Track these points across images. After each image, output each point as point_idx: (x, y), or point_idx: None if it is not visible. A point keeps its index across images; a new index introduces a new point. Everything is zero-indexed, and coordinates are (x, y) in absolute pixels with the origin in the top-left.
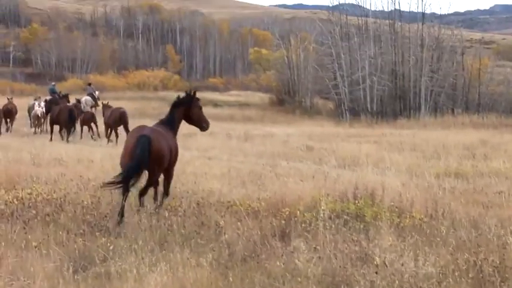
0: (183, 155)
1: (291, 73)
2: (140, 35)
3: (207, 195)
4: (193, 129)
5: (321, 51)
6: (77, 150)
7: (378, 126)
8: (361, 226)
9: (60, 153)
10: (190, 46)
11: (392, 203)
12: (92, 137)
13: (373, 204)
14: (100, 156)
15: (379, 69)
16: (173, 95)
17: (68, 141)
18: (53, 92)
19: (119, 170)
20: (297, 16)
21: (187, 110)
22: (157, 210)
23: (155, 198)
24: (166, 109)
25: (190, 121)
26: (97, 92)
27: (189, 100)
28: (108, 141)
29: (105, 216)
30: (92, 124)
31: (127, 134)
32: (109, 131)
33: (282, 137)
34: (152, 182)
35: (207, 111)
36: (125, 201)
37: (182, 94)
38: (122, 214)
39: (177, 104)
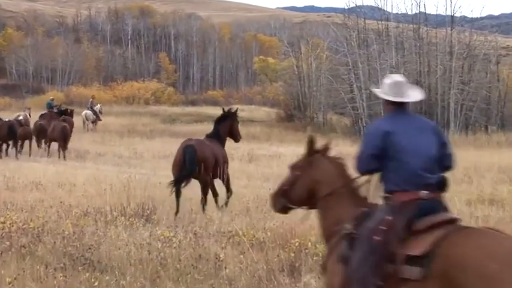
0: None
1: (301, 85)
2: (129, 42)
3: (206, 225)
4: None
5: (335, 60)
6: (57, 173)
7: None
8: None
9: (38, 175)
10: (186, 54)
11: None
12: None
13: None
14: (83, 179)
15: None
16: (167, 110)
17: (17, 158)
18: (50, 107)
19: (102, 194)
20: (308, 20)
21: (230, 125)
22: (222, 206)
23: (204, 203)
24: (158, 126)
25: (229, 134)
26: (99, 106)
27: (232, 116)
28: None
29: (89, 248)
30: (26, 141)
31: (62, 149)
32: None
33: (291, 157)
34: (205, 186)
35: (205, 128)
36: (178, 201)
37: (226, 109)
38: (177, 211)
39: (221, 120)
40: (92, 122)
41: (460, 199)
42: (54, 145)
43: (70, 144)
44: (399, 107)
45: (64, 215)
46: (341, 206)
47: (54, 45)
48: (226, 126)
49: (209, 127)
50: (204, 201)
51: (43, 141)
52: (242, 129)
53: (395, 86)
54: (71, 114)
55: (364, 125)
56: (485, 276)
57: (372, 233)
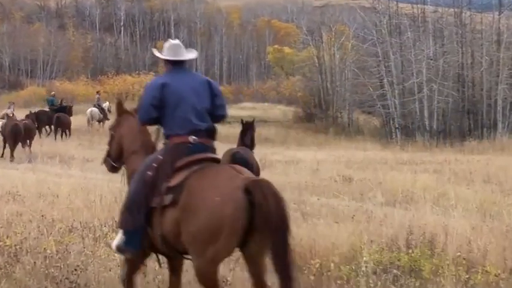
0: None
1: (323, 79)
2: (122, 29)
3: None
4: None
5: (362, 50)
6: (37, 181)
7: (438, 150)
8: (417, 284)
9: (16, 184)
10: (188, 43)
11: (459, 253)
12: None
13: (432, 254)
14: (68, 189)
15: (440, 74)
16: None
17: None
18: (51, 104)
19: (90, 206)
20: (330, 3)
21: (251, 135)
22: None
23: None
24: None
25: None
26: (107, 103)
27: (252, 126)
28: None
29: (75, 270)
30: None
31: (10, 151)
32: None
33: (311, 164)
34: None
35: None
36: None
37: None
38: None
39: (245, 130)
40: (98, 121)
41: (509, 213)
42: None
43: (53, 149)
44: (176, 66)
45: (46, 231)
46: (140, 160)
47: (35, 33)
48: (249, 137)
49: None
50: None
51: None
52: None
53: (172, 48)
54: (69, 111)
55: (397, 126)
56: (207, 206)
57: (146, 169)
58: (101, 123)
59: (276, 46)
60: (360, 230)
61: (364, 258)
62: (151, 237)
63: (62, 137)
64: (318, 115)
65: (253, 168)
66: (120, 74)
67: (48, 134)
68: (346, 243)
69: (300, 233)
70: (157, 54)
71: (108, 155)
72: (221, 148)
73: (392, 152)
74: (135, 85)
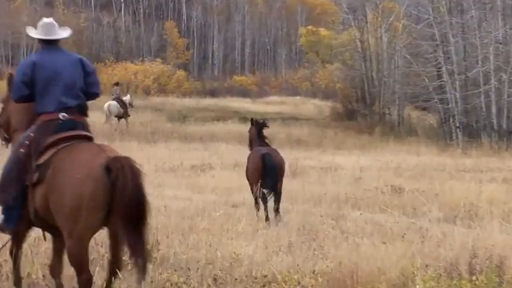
0: (191, 200)
1: (367, 67)
2: (123, 6)
3: (230, 266)
4: (208, 160)
5: (416, 31)
6: None
7: (509, 155)
8: None
9: None
10: (203, 23)
11: None
12: None
13: (501, 282)
14: None
15: None
16: (175, 103)
17: None
18: None
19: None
20: None
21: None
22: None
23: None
24: (163, 125)
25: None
26: (128, 96)
27: (266, 124)
28: None
29: None
30: None
31: None
32: None
33: (352, 171)
34: (279, 194)
35: (231, 130)
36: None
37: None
38: (267, 218)
39: (260, 128)
40: (118, 117)
41: None
42: None
43: None
44: (49, 44)
45: (30, 252)
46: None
47: (16, 11)
48: (263, 136)
49: (236, 128)
50: (277, 213)
51: None
52: (283, 130)
53: (45, 27)
54: None
55: (458, 125)
56: (68, 184)
57: (19, 146)
58: (124, 119)
59: (309, 27)
60: (412, 251)
61: (418, 287)
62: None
63: None
64: (361, 111)
65: (283, 171)
66: (119, 60)
67: None
68: (395, 267)
69: (338, 255)
70: (30, 33)
71: (1, 126)
72: (242, 150)
73: (451, 157)
74: (139, 74)
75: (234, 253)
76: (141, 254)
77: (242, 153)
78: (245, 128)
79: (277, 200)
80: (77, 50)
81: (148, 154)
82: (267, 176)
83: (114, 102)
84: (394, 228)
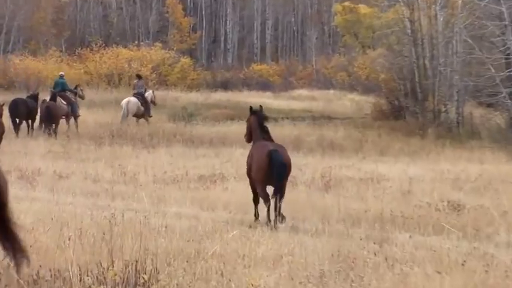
0: (198, 218)
1: (419, 54)
2: None
3: None
4: (220, 169)
5: (479, 9)
6: None
7: None
8: None
9: None
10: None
11: None
12: None
13: None
14: (31, 219)
15: None
16: (179, 98)
17: None
18: (62, 88)
19: (65, 246)
20: None
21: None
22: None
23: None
24: (164, 125)
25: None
26: (150, 92)
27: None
28: None
29: None
30: None
31: None
32: None
33: (400, 183)
34: (283, 194)
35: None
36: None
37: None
38: (269, 219)
39: (262, 119)
40: (137, 117)
41: None
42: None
43: (8, 158)
44: None
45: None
46: None
47: None
48: (267, 128)
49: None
50: (278, 214)
51: None
52: (312, 132)
53: None
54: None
55: None
56: None
57: None
58: (144, 118)
59: (346, 3)
60: (474, 283)
61: None
62: None
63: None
64: (411, 109)
65: (290, 170)
66: (109, 45)
67: (28, 132)
68: None
69: (382, 286)
70: None
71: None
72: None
73: None
74: (133, 62)
75: (252, 285)
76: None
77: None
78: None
79: (280, 200)
80: (56, 31)
81: (146, 161)
82: (274, 176)
83: (135, 99)
84: (452, 255)
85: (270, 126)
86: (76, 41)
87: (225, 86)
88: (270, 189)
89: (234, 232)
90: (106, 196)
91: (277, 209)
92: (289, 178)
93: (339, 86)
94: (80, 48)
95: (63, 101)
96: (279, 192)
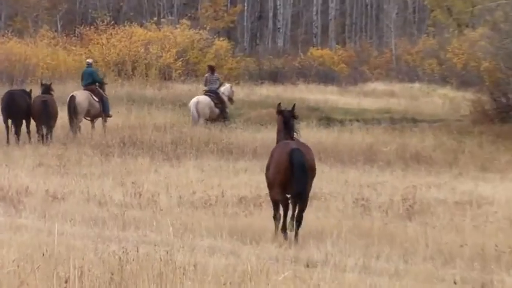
0: (238, 254)
1: None
2: None
3: None
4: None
5: None
6: None
7: None
8: None
9: None
10: None
11: None
12: None
13: None
14: (15, 255)
15: None
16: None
17: None
18: (92, 79)
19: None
20: None
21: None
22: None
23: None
24: (191, 129)
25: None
26: (227, 86)
27: (294, 113)
28: None
29: None
30: None
31: None
32: None
33: (508, 207)
34: (305, 201)
35: (304, 136)
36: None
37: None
38: (284, 229)
39: (288, 118)
40: (210, 120)
41: None
42: None
43: None
44: None
45: None
46: None
47: None
48: (292, 126)
49: (315, 135)
50: (297, 227)
51: None
52: (391, 139)
53: None
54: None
55: None
56: None
57: None
58: (221, 120)
59: None
60: None
61: None
62: None
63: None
64: None
65: (314, 172)
66: (121, 23)
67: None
68: None
69: None
70: None
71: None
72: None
73: None
74: (152, 46)
75: None
76: None
77: (326, 179)
78: (328, 133)
79: (301, 208)
80: (50, 4)
81: (168, 178)
82: (294, 177)
83: (206, 99)
84: None
85: (333, 132)
86: (76, 18)
87: (274, 77)
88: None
89: (286, 273)
90: (115, 224)
91: (297, 221)
92: (361, 201)
93: (427, 78)
94: (81, 27)
95: (94, 97)
96: (300, 200)
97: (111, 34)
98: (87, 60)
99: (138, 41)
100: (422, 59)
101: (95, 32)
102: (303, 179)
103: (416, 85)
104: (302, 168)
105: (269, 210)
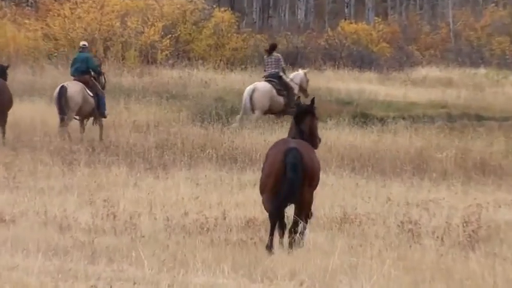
0: None
1: None
2: None
3: None
4: None
5: None
6: None
7: None
8: None
9: None
10: None
11: None
12: None
13: None
14: None
15: None
16: (213, 80)
17: None
18: (93, 67)
19: None
20: None
21: (310, 124)
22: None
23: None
24: (182, 129)
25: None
26: (300, 73)
27: (312, 109)
28: None
29: None
30: None
31: None
32: None
33: None
34: (304, 208)
35: (332, 137)
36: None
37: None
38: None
39: (302, 117)
40: (271, 113)
41: None
42: None
43: None
44: None
45: None
46: None
47: None
48: (307, 126)
49: (346, 138)
50: (300, 237)
51: None
52: (447, 142)
53: None
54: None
55: None
56: None
57: None
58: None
59: None
60: None
61: None
62: None
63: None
64: None
65: (314, 174)
66: None
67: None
68: None
69: None
70: None
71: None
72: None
73: None
74: (130, 17)
75: None
76: None
77: (361, 195)
78: (365, 136)
79: (298, 216)
80: None
81: (152, 193)
82: (284, 178)
83: (265, 86)
84: None
85: (373, 130)
86: None
87: (293, 60)
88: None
89: None
90: (82, 255)
91: (295, 231)
92: (408, 225)
93: (496, 62)
94: None
95: (88, 91)
96: (299, 210)
97: (76, 3)
98: (82, 43)
99: (112, 12)
100: (489, 36)
101: (54, 1)
102: (294, 181)
103: (482, 71)
104: (294, 168)
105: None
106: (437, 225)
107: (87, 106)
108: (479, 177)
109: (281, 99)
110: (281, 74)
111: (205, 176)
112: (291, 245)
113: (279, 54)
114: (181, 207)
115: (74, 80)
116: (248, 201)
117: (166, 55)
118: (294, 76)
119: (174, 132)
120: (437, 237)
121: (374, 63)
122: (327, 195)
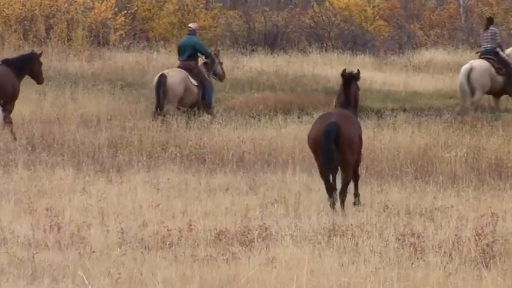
0: None
1: None
2: None
3: None
4: (261, 218)
5: None
6: None
7: None
8: None
9: None
10: None
11: None
12: None
13: None
14: None
15: None
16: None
17: None
18: (202, 50)
19: None
20: None
21: (355, 90)
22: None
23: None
24: (140, 123)
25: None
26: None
27: (357, 76)
28: None
29: None
30: None
31: None
32: None
33: None
34: (348, 176)
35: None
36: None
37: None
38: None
39: (349, 81)
40: (495, 93)
41: None
42: None
43: None
44: None
45: None
46: None
47: None
48: (352, 93)
49: None
50: (340, 199)
51: None
52: (457, 140)
53: None
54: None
55: None
56: None
57: None
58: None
59: None
60: None
61: None
62: None
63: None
64: None
65: (352, 141)
66: None
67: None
68: None
69: None
70: None
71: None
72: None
73: None
74: None
75: None
76: None
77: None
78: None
79: (345, 181)
80: None
81: (104, 200)
82: (321, 147)
83: (483, 64)
84: None
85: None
86: None
87: (272, 42)
88: None
89: None
90: (20, 274)
91: (340, 193)
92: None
93: None
94: None
95: (192, 80)
96: (343, 173)
97: None
98: (190, 25)
99: None
100: (507, 12)
101: None
102: (329, 149)
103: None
104: (328, 139)
105: (264, 253)
106: (445, 239)
107: (190, 96)
108: (494, 181)
109: (500, 79)
110: (497, 49)
111: (168, 179)
112: (342, 204)
113: (495, 29)
114: (138, 217)
115: (179, 67)
116: (218, 209)
117: (120, 35)
118: (510, 52)
119: (130, 127)
120: (445, 252)
121: (369, 44)
122: (313, 202)
